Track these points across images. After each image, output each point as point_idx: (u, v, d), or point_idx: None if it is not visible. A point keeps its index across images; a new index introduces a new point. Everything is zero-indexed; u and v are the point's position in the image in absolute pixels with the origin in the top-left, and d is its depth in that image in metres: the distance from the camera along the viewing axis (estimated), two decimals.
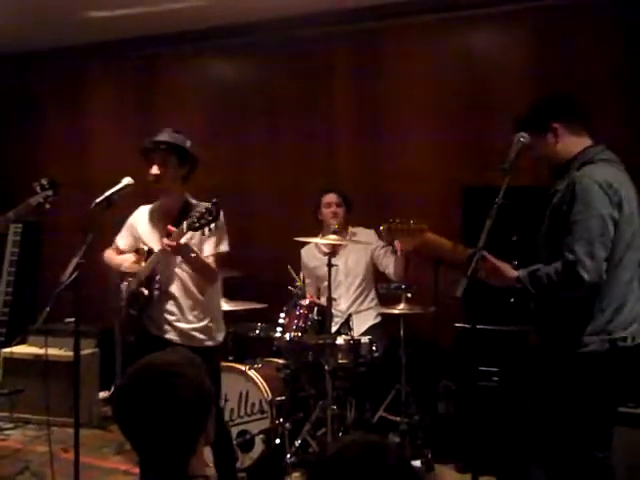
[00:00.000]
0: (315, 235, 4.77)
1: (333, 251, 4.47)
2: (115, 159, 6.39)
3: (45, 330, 4.18)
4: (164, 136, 3.69)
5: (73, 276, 3.19)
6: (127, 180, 3.52)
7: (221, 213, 3.43)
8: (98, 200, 3.37)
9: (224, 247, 3.70)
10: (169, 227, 3.46)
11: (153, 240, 3.75)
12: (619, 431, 3.16)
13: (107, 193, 3.40)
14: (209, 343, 3.72)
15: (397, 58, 5.62)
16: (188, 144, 3.70)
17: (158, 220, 3.80)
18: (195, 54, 6.37)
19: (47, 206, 4.12)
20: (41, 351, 4.71)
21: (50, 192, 4.04)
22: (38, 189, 4.11)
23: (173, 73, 6.47)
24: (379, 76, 5.68)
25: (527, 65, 5.20)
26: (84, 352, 5.29)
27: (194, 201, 3.73)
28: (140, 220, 3.89)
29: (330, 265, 4.36)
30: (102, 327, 5.82)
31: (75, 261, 3.22)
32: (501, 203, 2.81)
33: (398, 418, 4.61)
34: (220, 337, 3.82)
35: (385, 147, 5.64)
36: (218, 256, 3.68)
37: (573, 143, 3.01)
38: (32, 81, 7.02)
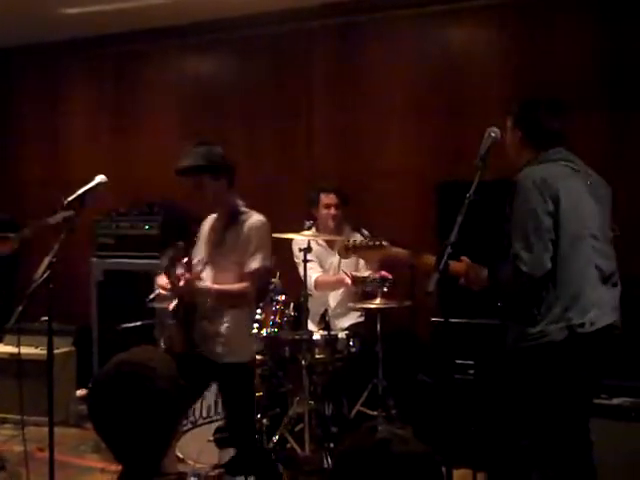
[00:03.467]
0: (295, 231, 4.77)
1: (309, 247, 4.46)
2: (92, 156, 6.37)
3: (18, 329, 4.16)
4: (187, 160, 3.60)
5: (45, 274, 3.16)
6: (100, 178, 3.49)
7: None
8: (70, 198, 3.34)
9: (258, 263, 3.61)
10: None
11: (201, 251, 3.77)
12: (601, 424, 3.22)
13: (79, 191, 3.37)
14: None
15: (375, 54, 5.64)
16: (216, 151, 3.61)
17: (210, 229, 3.81)
18: (173, 50, 6.36)
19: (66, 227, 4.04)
20: (16, 350, 4.67)
21: (70, 213, 3.96)
22: (58, 208, 4.01)
23: (150, 69, 6.46)
24: (357, 72, 5.71)
25: (505, 60, 5.24)
26: (60, 350, 5.27)
27: (243, 209, 3.73)
28: (202, 228, 3.88)
29: (306, 261, 4.39)
30: (79, 325, 5.81)
31: (48, 260, 3.20)
32: (472, 199, 2.83)
33: (375, 412, 4.63)
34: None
35: (362, 143, 5.67)
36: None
37: (531, 150, 3.11)
38: (9, 77, 6.97)
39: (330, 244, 5.06)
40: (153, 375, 1.81)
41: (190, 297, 3.57)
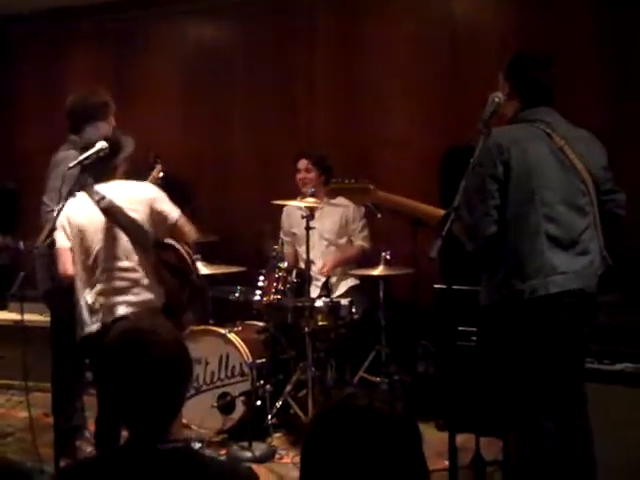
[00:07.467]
0: (295, 198, 4.77)
1: (311, 214, 4.46)
2: None
3: (21, 296, 4.15)
4: None
5: (48, 241, 3.16)
6: (101, 144, 3.46)
7: None
8: (71, 164, 3.32)
9: None
10: None
11: None
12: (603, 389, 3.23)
13: (80, 157, 3.35)
14: None
15: (379, 21, 5.57)
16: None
17: None
18: (174, 15, 6.27)
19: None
20: (20, 317, 4.67)
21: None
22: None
23: (151, 35, 6.39)
24: (360, 38, 5.64)
25: (509, 29, 5.15)
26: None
27: None
28: None
29: (308, 228, 4.38)
30: None
31: (49, 226, 3.19)
32: (476, 163, 2.79)
33: (378, 379, 4.66)
34: None
35: (365, 110, 5.61)
36: None
37: (517, 102, 3.06)
38: (9, 45, 6.89)
39: (313, 211, 5.06)
40: (159, 341, 1.80)
41: None
